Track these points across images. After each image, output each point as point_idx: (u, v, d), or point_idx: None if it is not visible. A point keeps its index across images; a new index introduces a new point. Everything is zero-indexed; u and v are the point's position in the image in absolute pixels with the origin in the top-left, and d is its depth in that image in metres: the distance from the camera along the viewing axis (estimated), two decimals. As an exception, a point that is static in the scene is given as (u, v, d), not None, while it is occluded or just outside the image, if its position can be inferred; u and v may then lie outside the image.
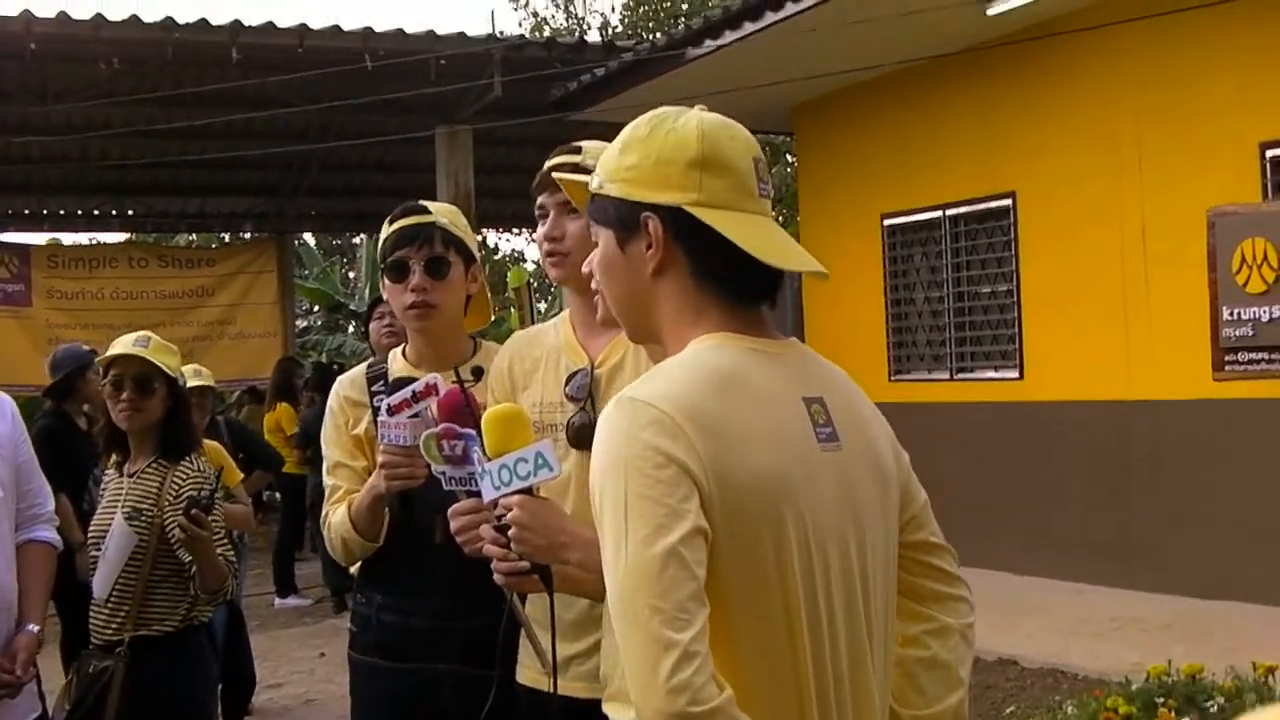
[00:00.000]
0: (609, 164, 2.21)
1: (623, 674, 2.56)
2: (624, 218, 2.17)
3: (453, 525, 2.79)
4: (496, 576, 2.60)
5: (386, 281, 3.63)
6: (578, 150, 3.10)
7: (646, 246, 2.15)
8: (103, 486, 4.79)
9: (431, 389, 3.11)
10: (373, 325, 6.51)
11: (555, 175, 2.84)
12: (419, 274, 3.54)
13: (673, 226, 2.13)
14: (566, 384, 3.09)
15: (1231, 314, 5.20)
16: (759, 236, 2.14)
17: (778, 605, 2.03)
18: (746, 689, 1.95)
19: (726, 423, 2.01)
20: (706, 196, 2.12)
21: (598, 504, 2.00)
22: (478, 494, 2.66)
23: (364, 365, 3.86)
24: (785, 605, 2.03)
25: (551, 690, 2.70)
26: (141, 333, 4.71)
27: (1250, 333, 5.15)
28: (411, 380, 3.29)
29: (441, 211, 3.65)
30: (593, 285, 2.70)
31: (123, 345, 4.58)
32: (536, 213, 3.25)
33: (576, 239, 3.07)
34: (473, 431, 2.73)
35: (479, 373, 3.23)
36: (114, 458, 4.75)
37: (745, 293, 2.18)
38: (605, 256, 2.23)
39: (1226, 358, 5.25)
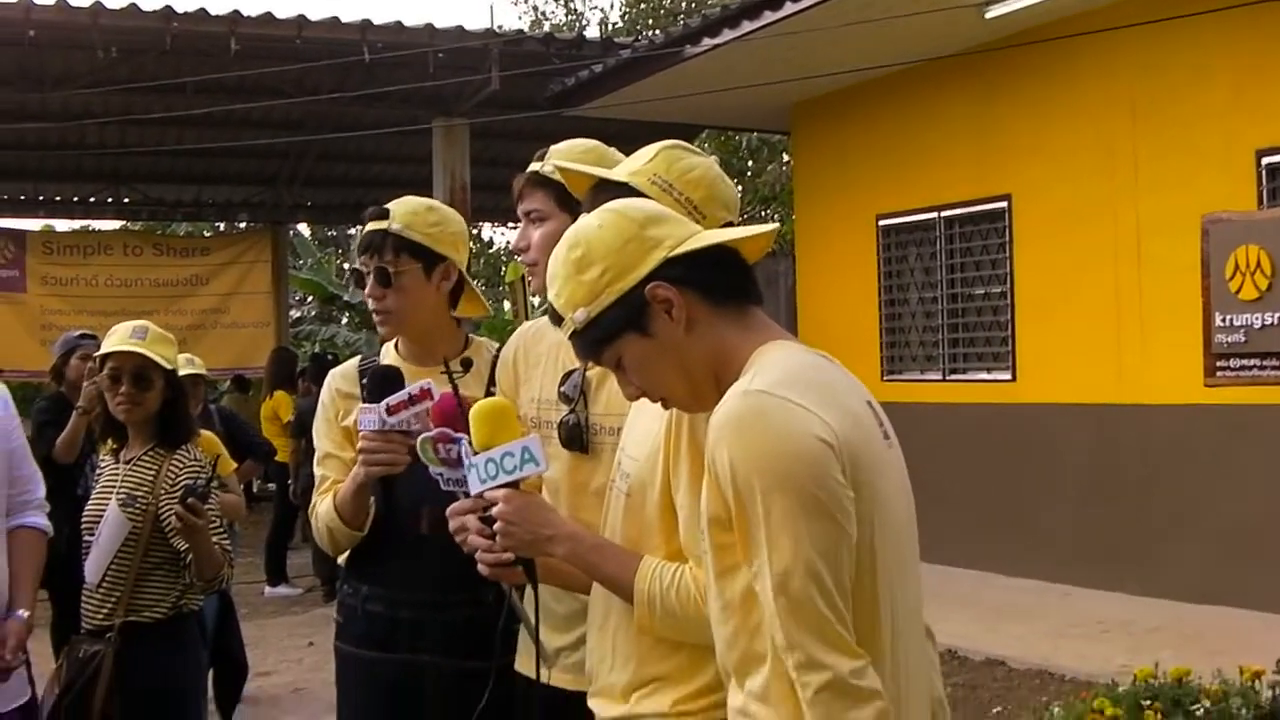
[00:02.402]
0: (578, 293, 2.30)
1: (609, 669, 2.60)
2: (631, 312, 2.27)
3: (451, 525, 2.79)
4: (481, 567, 2.62)
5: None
6: (542, 156, 3.18)
7: (667, 312, 2.26)
8: (98, 472, 4.79)
9: (426, 393, 3.13)
10: None
11: (558, 165, 2.91)
12: (370, 283, 3.58)
13: (674, 278, 2.26)
14: (562, 383, 3.10)
15: (1224, 320, 5.21)
16: (725, 234, 2.35)
17: (880, 584, 2.13)
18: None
19: (843, 408, 2.13)
20: (673, 239, 2.30)
21: (762, 496, 2.05)
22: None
23: (356, 358, 3.88)
24: (880, 584, 2.13)
25: (537, 680, 2.72)
26: (138, 323, 4.68)
27: (1242, 339, 5.17)
28: (390, 370, 3.34)
29: (402, 214, 3.60)
30: None
31: (119, 338, 4.56)
32: None
33: (540, 247, 3.14)
34: (465, 436, 2.75)
35: (468, 364, 3.25)
36: (110, 444, 4.75)
37: (752, 289, 2.35)
38: (641, 355, 2.30)
39: (1218, 364, 5.27)
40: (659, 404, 2.40)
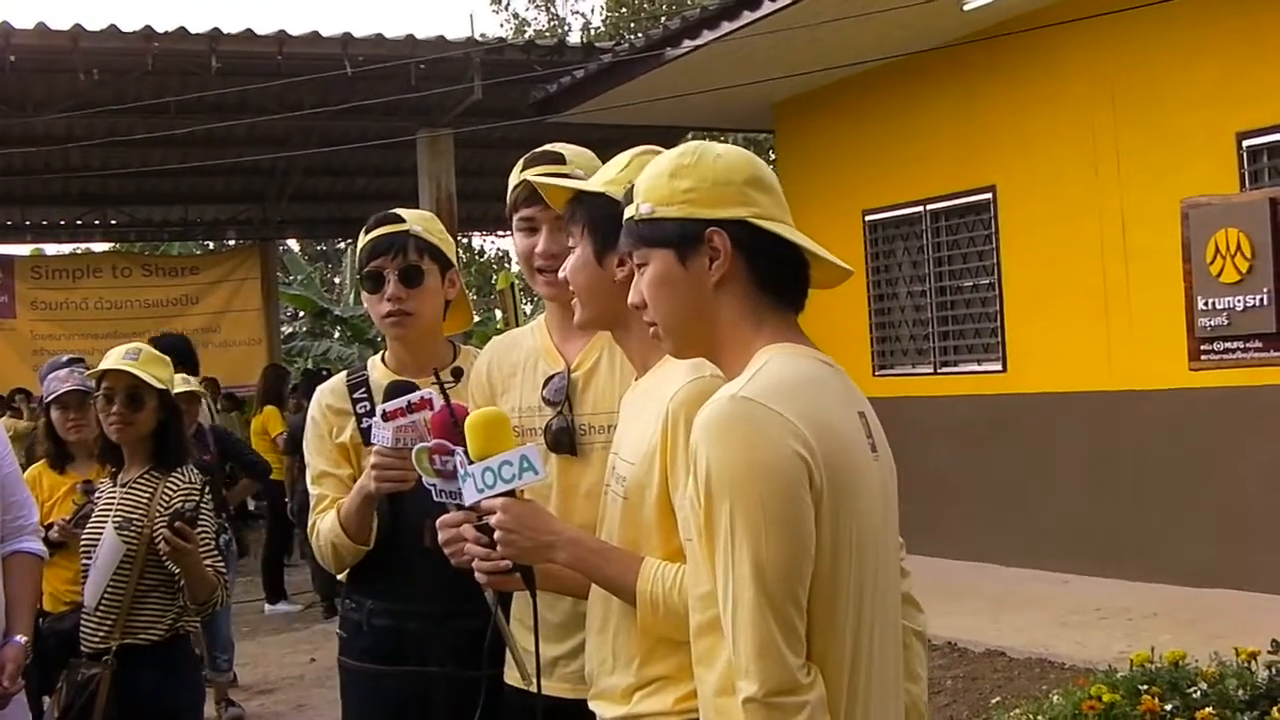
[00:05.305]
0: (660, 190, 2.33)
1: (610, 671, 2.62)
2: (683, 238, 2.31)
3: (440, 536, 2.79)
4: (478, 576, 2.63)
5: (365, 292, 3.65)
6: (561, 159, 3.12)
7: (710, 260, 2.29)
8: (96, 495, 4.80)
9: (426, 403, 3.10)
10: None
11: (545, 183, 2.84)
12: (394, 283, 3.53)
13: (736, 238, 2.29)
14: (544, 388, 3.09)
15: (1206, 304, 5.24)
16: (807, 241, 2.36)
17: (841, 597, 2.16)
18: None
19: (828, 423, 2.17)
20: (762, 211, 2.32)
21: (729, 503, 2.09)
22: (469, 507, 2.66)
23: (344, 373, 3.84)
24: (841, 597, 2.16)
25: (536, 691, 2.72)
26: (133, 345, 4.70)
27: (1225, 322, 5.20)
28: (406, 384, 3.29)
29: (415, 219, 3.64)
30: (571, 289, 2.74)
31: (113, 359, 4.57)
32: (518, 224, 3.22)
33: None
34: (461, 448, 2.74)
35: (459, 374, 3.25)
36: (108, 467, 4.77)
37: (797, 298, 2.39)
38: (664, 275, 2.34)
39: (1202, 347, 5.30)
40: (651, 331, 2.41)
